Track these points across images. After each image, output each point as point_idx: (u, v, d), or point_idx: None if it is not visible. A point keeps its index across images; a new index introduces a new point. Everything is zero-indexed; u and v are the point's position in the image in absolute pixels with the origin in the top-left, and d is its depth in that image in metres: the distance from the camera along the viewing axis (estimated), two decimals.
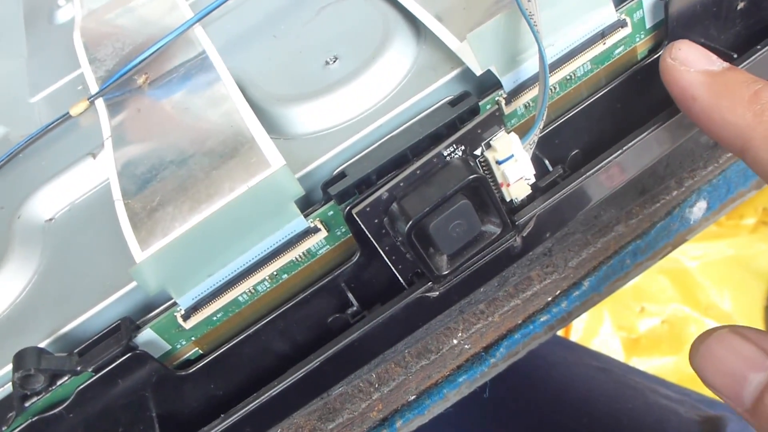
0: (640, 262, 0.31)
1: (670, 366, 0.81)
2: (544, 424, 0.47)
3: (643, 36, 0.28)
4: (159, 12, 0.36)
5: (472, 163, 0.24)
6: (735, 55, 0.28)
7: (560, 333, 0.85)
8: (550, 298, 0.30)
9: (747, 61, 0.27)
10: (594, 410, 0.46)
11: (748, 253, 0.86)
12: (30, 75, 0.39)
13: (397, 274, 0.25)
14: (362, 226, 0.23)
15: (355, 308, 0.26)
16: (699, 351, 0.22)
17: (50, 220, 0.30)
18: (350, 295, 0.26)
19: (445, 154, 0.24)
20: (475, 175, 0.23)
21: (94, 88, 0.33)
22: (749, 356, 0.21)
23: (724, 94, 0.23)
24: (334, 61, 0.28)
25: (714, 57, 0.25)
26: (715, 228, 0.89)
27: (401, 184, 0.23)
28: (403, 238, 0.23)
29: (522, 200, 0.26)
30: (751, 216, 0.89)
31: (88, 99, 0.33)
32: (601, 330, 0.85)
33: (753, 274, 0.85)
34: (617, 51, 0.27)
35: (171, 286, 0.24)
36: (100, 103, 0.32)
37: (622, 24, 0.27)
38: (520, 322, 0.30)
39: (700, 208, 0.31)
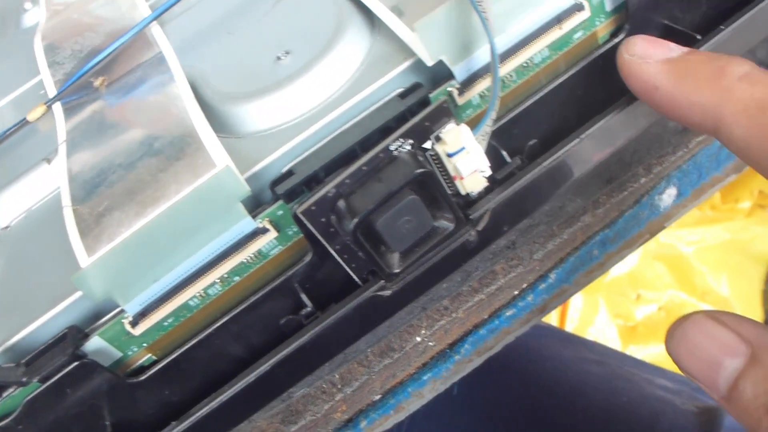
0: (611, 252, 0.31)
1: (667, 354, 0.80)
2: (537, 420, 0.46)
3: (603, 19, 0.27)
4: (118, 12, 0.35)
5: (420, 158, 0.23)
6: (699, 37, 0.27)
7: (555, 323, 0.85)
8: (516, 292, 0.29)
9: (710, 42, 0.26)
10: (588, 405, 0.46)
11: (744, 237, 0.85)
12: None
13: (352, 273, 0.25)
14: (309, 225, 0.23)
15: (309, 309, 0.25)
16: (674, 336, 0.22)
17: (6, 227, 0.29)
18: (304, 296, 0.25)
19: (392, 148, 0.23)
20: (422, 170, 0.22)
21: (52, 92, 0.33)
22: (725, 341, 0.20)
23: (687, 77, 0.22)
24: (286, 56, 0.27)
25: (672, 44, 0.24)
26: (710, 212, 0.88)
27: (347, 181, 0.23)
28: (350, 236, 0.22)
29: (480, 193, 0.25)
30: (747, 199, 0.87)
31: (45, 103, 0.32)
32: (596, 319, 0.84)
33: (750, 258, 0.84)
34: (576, 36, 0.27)
35: (116, 292, 0.23)
36: (57, 107, 0.32)
37: (578, 8, 0.26)
38: (486, 317, 0.29)
39: (670, 195, 0.30)
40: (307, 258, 0.25)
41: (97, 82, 0.32)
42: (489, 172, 0.24)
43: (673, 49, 0.23)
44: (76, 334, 0.24)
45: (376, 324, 0.25)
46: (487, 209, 0.24)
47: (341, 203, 0.23)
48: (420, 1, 0.26)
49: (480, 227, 0.24)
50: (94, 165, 0.27)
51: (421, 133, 0.23)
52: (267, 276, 0.26)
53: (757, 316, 0.85)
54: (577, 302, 0.84)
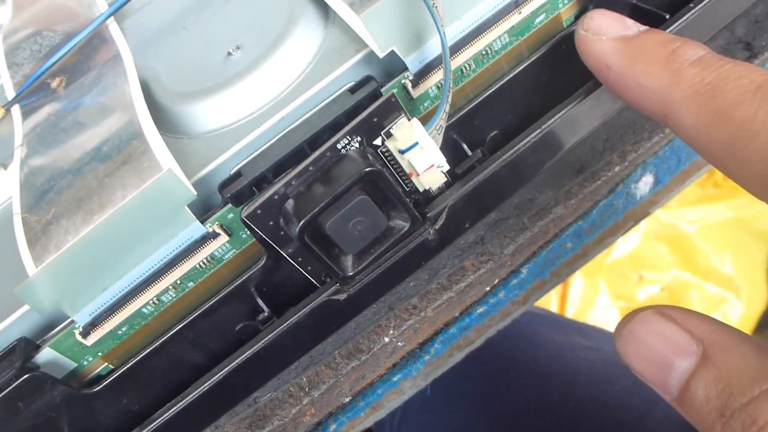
0: (586, 243, 0.30)
1: None
2: (530, 411, 0.45)
3: (566, 2, 0.26)
4: (76, 9, 0.34)
5: (369, 156, 0.22)
6: (667, 16, 0.26)
7: (554, 306, 0.84)
8: (487, 288, 0.28)
9: (678, 22, 0.25)
10: (581, 394, 0.45)
11: (747, 214, 0.83)
12: None
13: (308, 276, 0.24)
14: (257, 229, 0.22)
15: (265, 314, 0.24)
16: (622, 335, 0.20)
17: None
18: (260, 301, 0.24)
19: (340, 146, 0.22)
20: (369, 168, 0.21)
21: (11, 94, 0.32)
22: (675, 340, 0.19)
23: (640, 58, 0.21)
24: (237, 51, 0.26)
25: (630, 22, 0.22)
26: (713, 190, 0.86)
27: (293, 182, 0.22)
28: (297, 240, 0.22)
29: (440, 188, 0.25)
30: None
31: (3, 106, 0.31)
32: (597, 301, 0.83)
33: (753, 236, 0.82)
34: (538, 20, 0.25)
35: (64, 303, 0.23)
36: (16, 110, 0.31)
37: None
38: (456, 315, 0.28)
39: (646, 182, 0.29)
40: (262, 262, 0.24)
41: (54, 83, 0.31)
42: (447, 167, 0.23)
43: (630, 27, 0.22)
44: (26, 345, 0.23)
45: (336, 328, 0.24)
46: (444, 206, 0.23)
47: (289, 205, 0.22)
48: None
49: (438, 225, 0.23)
50: (45, 171, 0.26)
51: (370, 130, 0.22)
52: (223, 281, 0.25)
53: (763, 293, 0.83)
54: (577, 285, 0.83)
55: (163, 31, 0.30)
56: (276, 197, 0.22)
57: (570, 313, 0.83)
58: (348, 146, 0.22)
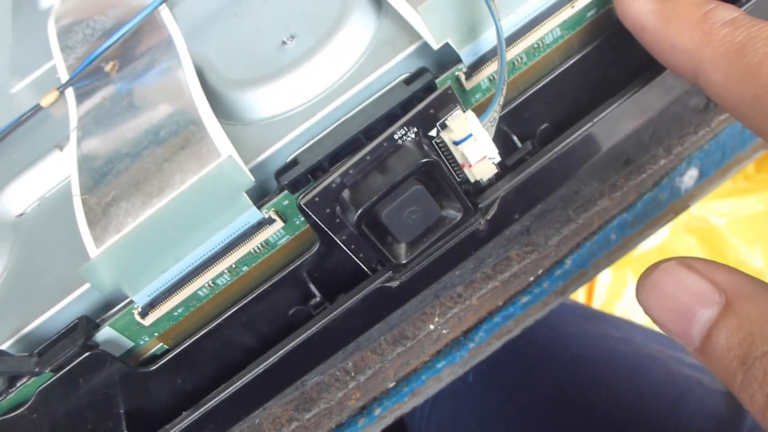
0: (629, 235, 0.30)
1: None
2: (562, 399, 0.46)
3: None
4: None
5: (425, 146, 0.22)
6: None
7: (581, 298, 0.84)
8: (531, 278, 0.28)
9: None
10: (614, 384, 0.45)
11: None
12: (12, 64, 0.38)
13: (360, 263, 0.24)
14: (314, 216, 0.23)
15: (317, 299, 0.25)
16: (645, 286, 0.20)
17: (21, 215, 0.30)
18: (312, 286, 0.25)
19: (397, 137, 0.22)
20: (426, 159, 0.22)
21: (64, 77, 0.33)
22: (698, 290, 0.19)
23: (673, 19, 0.21)
24: (291, 41, 0.27)
25: None
26: (743, 183, 0.85)
27: (351, 171, 0.22)
28: (354, 228, 0.22)
29: (490, 180, 0.25)
30: None
31: (58, 89, 0.32)
32: (625, 292, 0.83)
33: None
34: (590, 14, 0.26)
35: (125, 283, 0.23)
36: (69, 92, 0.32)
37: None
38: (500, 304, 0.28)
39: (691, 176, 0.29)
40: (315, 248, 0.24)
41: (107, 67, 0.31)
42: (498, 159, 0.24)
43: None
44: (87, 324, 0.24)
45: (386, 314, 0.25)
46: (496, 197, 0.24)
47: (345, 194, 0.22)
48: None
49: (489, 216, 0.24)
50: (103, 153, 0.27)
51: (426, 121, 0.23)
52: (276, 265, 0.25)
53: None
54: (604, 277, 0.83)
55: (215, 18, 0.31)
56: (333, 185, 0.22)
57: (597, 304, 0.82)
58: (404, 137, 0.22)
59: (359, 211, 0.22)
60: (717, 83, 0.20)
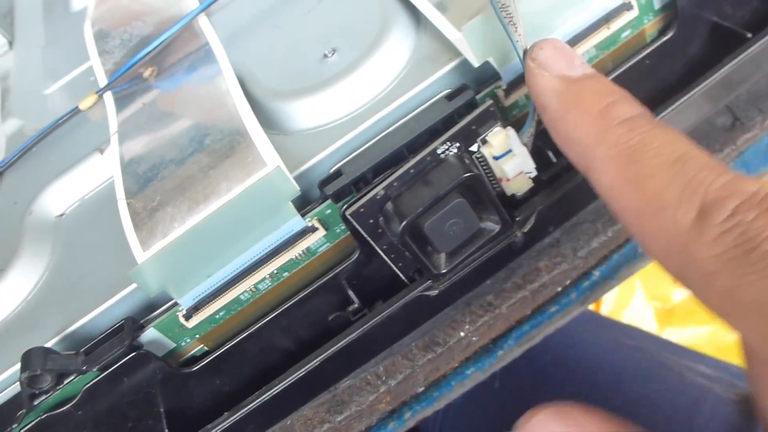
0: None
1: (705, 336, 0.79)
2: None
3: (651, 17, 0.27)
4: (166, 1, 0.35)
5: (467, 161, 0.23)
6: (749, 35, 0.26)
7: (591, 306, 0.84)
8: (559, 289, 0.29)
9: (762, 40, 0.26)
10: (627, 392, 0.46)
11: None
12: (45, 65, 0.39)
13: (398, 272, 0.25)
14: (357, 226, 0.23)
15: (356, 306, 0.26)
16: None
17: (61, 215, 0.30)
18: (351, 293, 0.26)
19: (440, 151, 0.23)
20: (469, 174, 0.22)
21: (102, 81, 0.34)
22: None
23: (574, 106, 0.20)
24: (332, 54, 0.27)
25: (578, 61, 0.21)
26: None
27: (395, 184, 0.23)
28: (397, 238, 0.23)
29: (525, 194, 0.26)
30: None
31: (97, 93, 0.33)
32: (633, 300, 0.83)
33: None
34: (624, 35, 0.26)
35: (171, 287, 0.24)
36: (108, 96, 0.33)
37: (627, 7, 0.25)
38: (528, 313, 0.29)
39: None
40: (355, 256, 0.25)
41: (146, 73, 0.32)
42: (534, 173, 0.25)
43: (576, 67, 0.21)
44: (132, 325, 0.25)
45: (422, 322, 0.26)
46: (534, 211, 0.24)
47: (389, 205, 0.23)
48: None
49: (526, 228, 0.25)
50: (146, 158, 0.28)
51: (468, 136, 0.23)
52: (314, 272, 0.26)
53: None
54: None
55: (254, 28, 0.31)
56: (378, 197, 0.23)
57: (605, 312, 0.83)
58: (447, 151, 0.23)
59: (404, 223, 0.22)
60: (604, 186, 0.19)
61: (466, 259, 0.24)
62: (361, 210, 0.23)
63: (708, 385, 0.45)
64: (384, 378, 0.28)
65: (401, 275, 0.25)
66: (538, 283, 0.29)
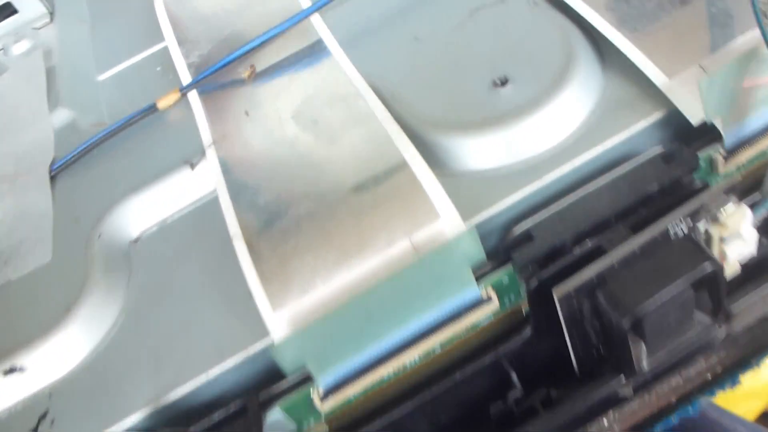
0: None
1: None
2: None
3: None
4: None
5: (704, 248, 0.19)
6: None
7: None
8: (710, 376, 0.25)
9: None
10: None
11: None
12: (95, 45, 0.33)
13: (574, 361, 0.21)
14: (560, 309, 0.19)
15: (518, 394, 0.21)
16: None
17: (135, 240, 0.25)
18: (513, 375, 0.21)
19: (669, 228, 0.19)
20: (714, 269, 0.18)
21: (185, 76, 0.28)
22: None
23: None
24: (504, 84, 0.23)
25: None
26: None
27: (616, 266, 0.19)
28: (613, 329, 0.19)
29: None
30: None
31: (180, 90, 0.27)
32: None
33: None
34: None
35: (312, 363, 0.19)
36: (194, 96, 0.27)
37: None
38: (673, 401, 0.25)
39: None
40: (525, 334, 0.21)
41: (245, 73, 0.27)
42: (751, 258, 0.21)
43: None
44: (257, 408, 0.20)
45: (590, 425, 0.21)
46: (753, 307, 0.21)
47: (601, 292, 0.19)
48: (666, 33, 0.22)
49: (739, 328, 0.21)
50: (267, 186, 0.23)
51: (696, 212, 0.19)
52: (467, 345, 0.22)
53: None
54: None
55: (383, 35, 0.27)
56: (594, 280, 0.19)
57: None
58: (676, 229, 0.19)
59: (631, 316, 0.18)
60: None
61: (670, 357, 0.20)
62: (572, 292, 0.19)
63: None
64: None
65: (575, 365, 0.21)
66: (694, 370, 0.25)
